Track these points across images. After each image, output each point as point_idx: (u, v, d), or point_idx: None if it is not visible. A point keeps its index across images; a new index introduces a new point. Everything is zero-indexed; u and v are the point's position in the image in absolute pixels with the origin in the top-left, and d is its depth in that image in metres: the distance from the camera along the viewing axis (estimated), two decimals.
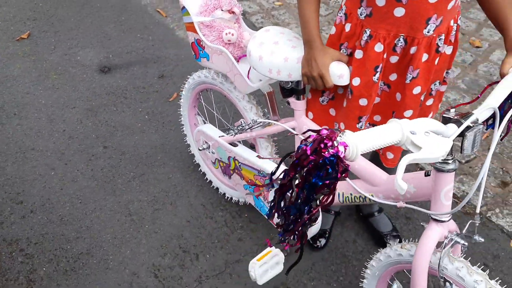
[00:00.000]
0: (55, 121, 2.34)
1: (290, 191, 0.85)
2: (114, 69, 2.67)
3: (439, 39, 1.22)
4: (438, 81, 1.36)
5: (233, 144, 1.65)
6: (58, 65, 2.70)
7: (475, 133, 0.95)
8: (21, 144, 2.22)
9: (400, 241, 1.78)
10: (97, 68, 2.68)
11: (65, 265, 1.74)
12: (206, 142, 1.76)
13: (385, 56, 1.24)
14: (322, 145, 0.77)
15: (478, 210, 0.98)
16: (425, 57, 1.24)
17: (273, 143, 1.73)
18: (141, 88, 2.55)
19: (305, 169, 0.79)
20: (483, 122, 1.22)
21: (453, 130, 0.91)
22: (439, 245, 1.12)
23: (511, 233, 1.85)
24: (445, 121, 0.95)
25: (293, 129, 1.51)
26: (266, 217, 1.61)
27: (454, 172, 1.05)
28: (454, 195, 1.99)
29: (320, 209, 0.88)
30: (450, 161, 1.02)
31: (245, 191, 1.67)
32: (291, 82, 1.42)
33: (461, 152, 0.98)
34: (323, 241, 1.80)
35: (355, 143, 0.79)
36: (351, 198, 1.38)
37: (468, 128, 0.93)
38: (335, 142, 0.77)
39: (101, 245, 1.81)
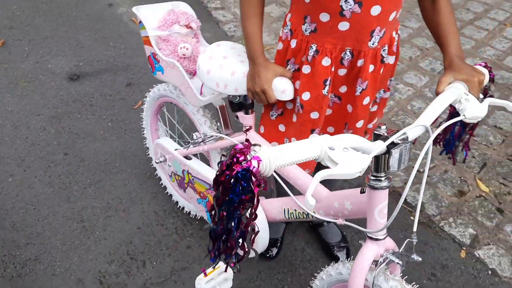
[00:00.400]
0: (19, 128, 2.36)
1: (214, 210, 0.84)
2: (83, 77, 2.70)
3: (383, 50, 1.23)
4: (383, 89, 1.37)
5: (188, 157, 1.65)
6: (29, 73, 2.73)
7: (401, 150, 0.93)
8: None
9: (348, 252, 1.77)
10: (66, 76, 2.71)
11: (12, 271, 1.75)
12: (163, 155, 1.76)
13: (333, 69, 1.24)
14: (235, 160, 0.77)
15: (414, 229, 0.94)
16: (371, 68, 1.24)
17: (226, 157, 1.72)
18: (108, 96, 2.56)
19: (221, 185, 0.79)
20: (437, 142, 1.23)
21: (378, 146, 0.90)
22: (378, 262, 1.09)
23: (463, 243, 1.83)
24: (376, 137, 0.93)
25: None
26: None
27: (387, 190, 1.03)
28: (409, 205, 1.97)
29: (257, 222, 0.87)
30: (382, 179, 0.99)
31: (198, 205, 1.67)
32: (239, 96, 1.41)
33: (387, 169, 0.96)
34: (275, 250, 1.79)
35: (269, 157, 0.78)
36: (296, 214, 1.35)
37: (395, 145, 0.91)
38: (248, 156, 0.77)
39: (50, 251, 1.81)
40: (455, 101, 1.05)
